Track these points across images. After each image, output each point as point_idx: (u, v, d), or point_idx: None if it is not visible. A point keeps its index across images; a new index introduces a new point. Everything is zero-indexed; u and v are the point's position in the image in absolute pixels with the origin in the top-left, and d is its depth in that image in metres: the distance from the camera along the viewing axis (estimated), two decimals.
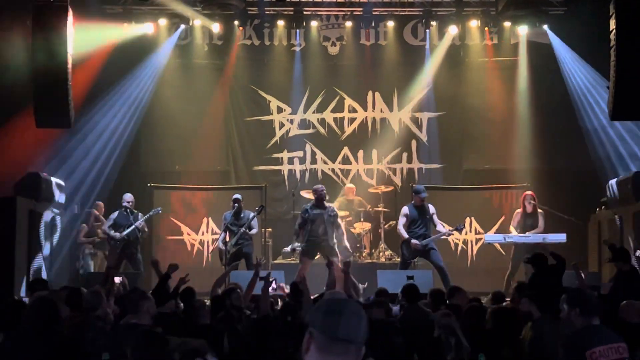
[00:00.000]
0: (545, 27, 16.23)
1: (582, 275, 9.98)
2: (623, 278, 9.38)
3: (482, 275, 14.85)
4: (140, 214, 14.06)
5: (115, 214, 13.94)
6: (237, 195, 13.57)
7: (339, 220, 13.42)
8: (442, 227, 13.29)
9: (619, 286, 9.18)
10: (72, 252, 14.57)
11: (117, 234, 13.72)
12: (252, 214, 13.40)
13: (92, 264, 14.60)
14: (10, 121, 13.53)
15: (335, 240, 13.04)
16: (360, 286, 12.36)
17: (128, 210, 13.87)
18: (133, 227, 13.75)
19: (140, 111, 16.53)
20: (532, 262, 9.42)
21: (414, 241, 12.97)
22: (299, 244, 13.59)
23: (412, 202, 13.39)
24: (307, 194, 15.63)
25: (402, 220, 13.28)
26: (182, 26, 16.63)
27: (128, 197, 14.02)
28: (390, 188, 16.14)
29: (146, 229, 14.26)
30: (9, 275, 11.85)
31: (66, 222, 14.55)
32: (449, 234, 13.89)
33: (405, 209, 13.36)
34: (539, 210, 13.77)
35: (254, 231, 13.54)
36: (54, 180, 13.98)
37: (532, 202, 13.68)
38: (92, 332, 6.42)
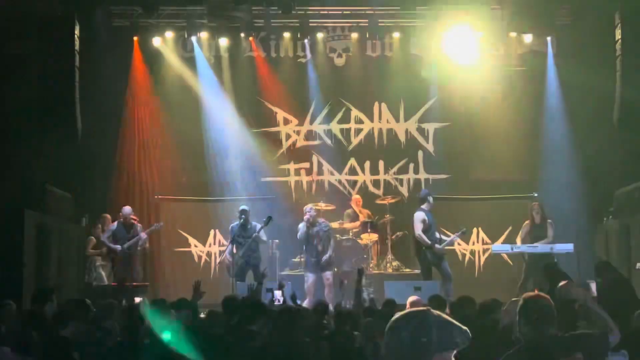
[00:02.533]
0: (549, 38, 16.27)
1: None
2: (608, 288, 9.38)
3: (489, 285, 14.78)
4: (140, 226, 14.05)
5: (114, 225, 13.95)
6: (244, 207, 13.57)
7: (332, 232, 13.76)
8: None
9: (602, 297, 9.18)
10: (80, 265, 14.59)
11: (118, 247, 13.72)
12: (258, 226, 13.41)
13: (104, 275, 14.62)
14: (19, 134, 13.59)
15: (331, 254, 13.37)
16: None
17: (127, 224, 13.89)
18: (134, 239, 13.77)
19: (146, 123, 16.63)
20: (544, 271, 9.43)
21: (438, 247, 13.24)
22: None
23: (425, 207, 13.49)
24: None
25: (420, 226, 13.35)
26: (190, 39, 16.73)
27: (127, 210, 14.02)
28: (397, 199, 16.13)
29: (147, 244, 14.29)
30: (17, 287, 11.87)
31: (74, 235, 14.59)
32: (455, 239, 14.10)
33: (422, 215, 13.42)
34: (548, 220, 13.74)
35: (263, 238, 13.53)
36: (61, 192, 14.05)
37: (539, 212, 13.66)
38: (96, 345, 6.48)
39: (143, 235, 13.93)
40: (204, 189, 16.53)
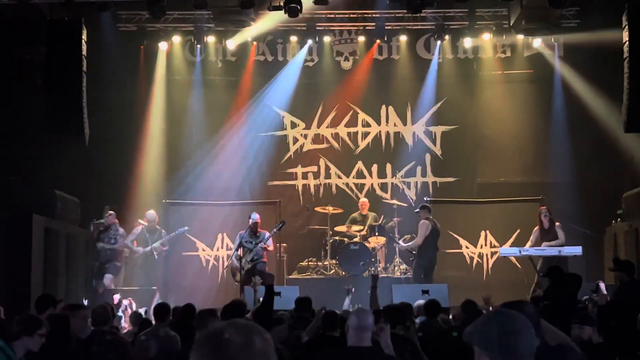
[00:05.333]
0: (555, 42, 16.24)
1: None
2: (623, 289, 9.31)
3: (497, 288, 14.73)
4: (163, 231, 14.09)
5: (139, 229, 13.97)
6: (256, 218, 13.62)
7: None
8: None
9: (617, 298, 9.13)
10: (87, 269, 14.61)
11: (140, 249, 13.76)
12: (267, 234, 13.51)
13: None
14: (28, 139, 13.64)
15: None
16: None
17: (150, 228, 13.92)
18: (157, 243, 13.81)
19: (154, 127, 16.68)
20: (549, 275, 9.39)
21: None
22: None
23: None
24: (321, 209, 15.65)
25: None
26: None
27: (151, 214, 14.07)
28: (405, 202, 16.09)
29: (167, 247, 14.34)
30: (25, 292, 11.90)
31: (81, 239, 14.61)
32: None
33: None
34: (557, 223, 13.70)
35: (270, 248, 13.60)
36: (69, 197, 14.07)
37: (547, 215, 13.63)
38: (99, 347, 6.48)
39: (165, 240, 13.98)
40: (211, 194, 16.53)
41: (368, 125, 17.39)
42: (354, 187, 17.27)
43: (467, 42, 16.70)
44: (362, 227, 15.52)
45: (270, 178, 17.21)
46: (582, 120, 15.97)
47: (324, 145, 17.38)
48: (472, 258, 15.90)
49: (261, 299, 9.33)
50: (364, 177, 17.29)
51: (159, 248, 14.04)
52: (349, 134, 17.37)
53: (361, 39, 17.00)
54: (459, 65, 17.15)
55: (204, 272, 15.91)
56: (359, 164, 17.29)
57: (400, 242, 14.89)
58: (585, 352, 5.89)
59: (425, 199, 16.10)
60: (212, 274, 15.95)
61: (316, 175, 17.31)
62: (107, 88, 15.45)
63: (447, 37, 16.70)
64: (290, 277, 15.26)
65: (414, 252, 14.33)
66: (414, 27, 16.89)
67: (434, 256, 14.05)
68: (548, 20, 15.09)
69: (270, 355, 2.22)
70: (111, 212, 14.12)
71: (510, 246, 14.88)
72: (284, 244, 15.52)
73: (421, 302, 9.54)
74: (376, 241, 15.27)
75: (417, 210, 14.34)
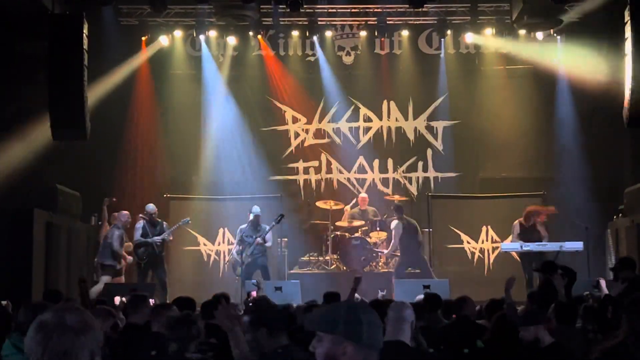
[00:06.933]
0: (558, 37, 16.21)
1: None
2: (630, 287, 9.26)
3: (499, 284, 14.66)
4: (165, 223, 14.07)
5: (141, 223, 13.91)
6: (258, 211, 13.61)
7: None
8: None
9: (622, 296, 9.08)
10: (89, 264, 14.59)
11: (157, 238, 13.65)
12: (267, 227, 13.50)
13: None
14: (28, 133, 13.63)
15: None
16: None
17: (151, 221, 13.87)
18: (165, 234, 13.77)
19: (155, 121, 16.69)
20: (542, 271, 9.37)
21: None
22: None
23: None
24: (323, 204, 15.64)
25: None
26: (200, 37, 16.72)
27: (151, 207, 14.04)
28: (406, 197, 16.09)
29: (171, 238, 14.27)
30: (26, 286, 11.91)
31: (83, 233, 14.61)
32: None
33: None
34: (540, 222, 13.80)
35: (268, 244, 13.61)
36: (70, 191, 14.06)
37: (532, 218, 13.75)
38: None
39: (170, 232, 13.93)
40: (212, 188, 16.53)
41: (369, 120, 17.37)
42: (355, 182, 17.26)
43: (469, 37, 16.67)
44: (362, 222, 15.52)
45: (271, 173, 17.19)
46: (584, 115, 15.94)
47: (326, 140, 17.37)
48: (473, 253, 15.89)
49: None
50: (366, 172, 17.28)
51: (167, 238, 13.97)
52: (350, 128, 17.36)
53: (363, 33, 16.98)
54: (461, 60, 17.13)
55: (205, 267, 15.92)
56: (361, 159, 17.28)
57: (384, 250, 14.95)
58: (532, 355, 5.58)
59: (427, 194, 16.12)
60: (213, 269, 15.96)
61: (317, 170, 17.29)
62: (108, 82, 15.43)
63: (449, 32, 16.66)
64: (291, 272, 15.25)
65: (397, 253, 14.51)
66: (415, 22, 16.86)
67: (415, 252, 14.21)
68: (550, 15, 15.06)
69: (86, 329, 2.49)
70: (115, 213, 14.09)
71: (511, 241, 14.88)
72: (285, 239, 15.50)
73: (421, 297, 9.53)
74: (377, 236, 15.27)
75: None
